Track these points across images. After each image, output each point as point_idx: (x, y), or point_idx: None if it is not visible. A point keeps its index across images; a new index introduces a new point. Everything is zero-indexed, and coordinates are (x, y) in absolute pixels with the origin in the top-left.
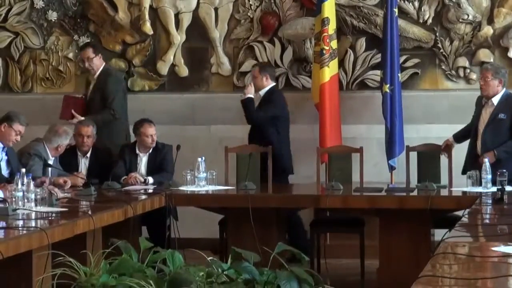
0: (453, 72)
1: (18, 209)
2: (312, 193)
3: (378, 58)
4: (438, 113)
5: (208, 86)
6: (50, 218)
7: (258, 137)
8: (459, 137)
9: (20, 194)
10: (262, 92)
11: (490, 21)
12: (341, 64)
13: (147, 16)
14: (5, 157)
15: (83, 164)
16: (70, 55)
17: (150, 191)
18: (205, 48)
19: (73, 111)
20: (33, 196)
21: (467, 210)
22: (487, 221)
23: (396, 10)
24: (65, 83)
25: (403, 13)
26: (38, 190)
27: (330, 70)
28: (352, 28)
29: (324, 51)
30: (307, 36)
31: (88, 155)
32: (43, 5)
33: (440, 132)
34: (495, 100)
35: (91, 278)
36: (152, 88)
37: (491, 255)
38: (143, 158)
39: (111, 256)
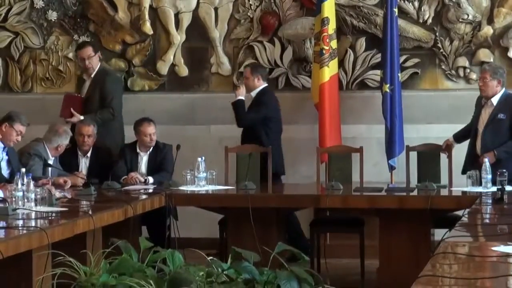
0: (453, 72)
1: (18, 208)
2: (312, 193)
3: (378, 58)
4: (438, 113)
5: (208, 86)
6: (50, 218)
7: (249, 138)
8: (459, 137)
9: (20, 194)
10: (253, 93)
11: (490, 21)
12: (341, 64)
13: (147, 16)
14: (5, 157)
15: (84, 163)
16: (70, 55)
17: (150, 191)
18: (205, 48)
19: (72, 110)
20: (33, 196)
21: (467, 210)
22: (487, 221)
23: (396, 10)
24: (65, 83)
25: (403, 13)
26: (38, 190)
27: (329, 70)
28: (352, 28)
29: (324, 51)
30: (307, 36)
31: (89, 154)
32: (43, 5)
33: (440, 132)
34: (495, 100)
35: (91, 278)
36: (152, 88)
37: (491, 254)
38: (143, 157)
39: (111, 256)
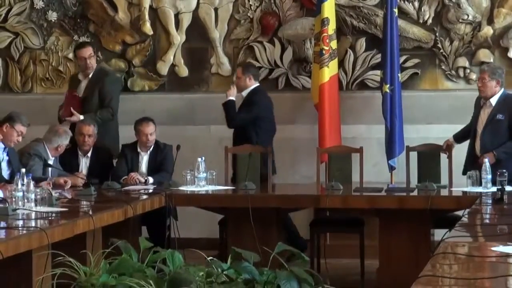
0: (453, 72)
1: (18, 209)
2: (312, 193)
3: (378, 58)
4: (438, 113)
5: (208, 86)
6: (50, 218)
7: (240, 138)
8: (459, 138)
9: (20, 194)
10: (245, 93)
11: (490, 21)
12: (341, 64)
13: (147, 16)
14: (6, 158)
15: (84, 163)
16: (70, 55)
17: (150, 191)
18: (205, 48)
19: (72, 109)
20: (33, 196)
21: (467, 210)
22: (487, 221)
23: (396, 10)
24: (65, 83)
25: (403, 13)
26: (38, 190)
27: (329, 71)
28: (352, 28)
29: (324, 51)
30: (307, 36)
31: (89, 154)
32: (43, 5)
33: (440, 132)
34: (493, 100)
35: (91, 278)
36: (152, 88)
37: (491, 255)
38: (144, 157)
39: (111, 256)
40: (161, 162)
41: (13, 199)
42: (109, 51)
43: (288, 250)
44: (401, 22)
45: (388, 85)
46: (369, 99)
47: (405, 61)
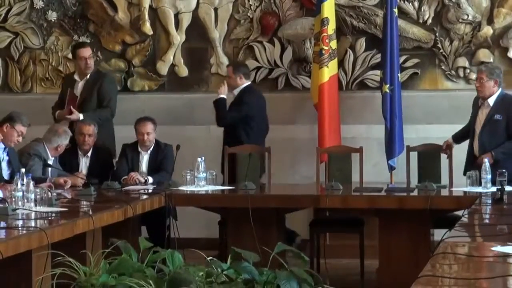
0: (453, 72)
1: (18, 209)
2: (312, 193)
3: (378, 58)
4: (438, 113)
5: (207, 86)
6: (50, 218)
7: (230, 137)
8: (458, 138)
9: (20, 194)
10: (236, 91)
11: (490, 21)
12: (341, 64)
13: (146, 16)
14: (6, 158)
15: (84, 163)
16: (70, 55)
17: (150, 191)
18: (205, 48)
19: (71, 108)
20: (32, 196)
21: (467, 210)
22: (486, 221)
23: (396, 10)
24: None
25: (403, 13)
26: (37, 190)
27: (329, 70)
28: (352, 28)
29: (323, 51)
30: (307, 36)
31: (89, 154)
32: (43, 5)
33: (440, 132)
34: (491, 101)
35: (91, 278)
36: (152, 88)
37: (491, 255)
38: (144, 156)
39: (111, 256)
40: (161, 162)
41: (13, 199)
42: (109, 51)
43: (288, 250)
44: (401, 22)
45: (388, 85)
46: (369, 99)
47: (405, 61)
